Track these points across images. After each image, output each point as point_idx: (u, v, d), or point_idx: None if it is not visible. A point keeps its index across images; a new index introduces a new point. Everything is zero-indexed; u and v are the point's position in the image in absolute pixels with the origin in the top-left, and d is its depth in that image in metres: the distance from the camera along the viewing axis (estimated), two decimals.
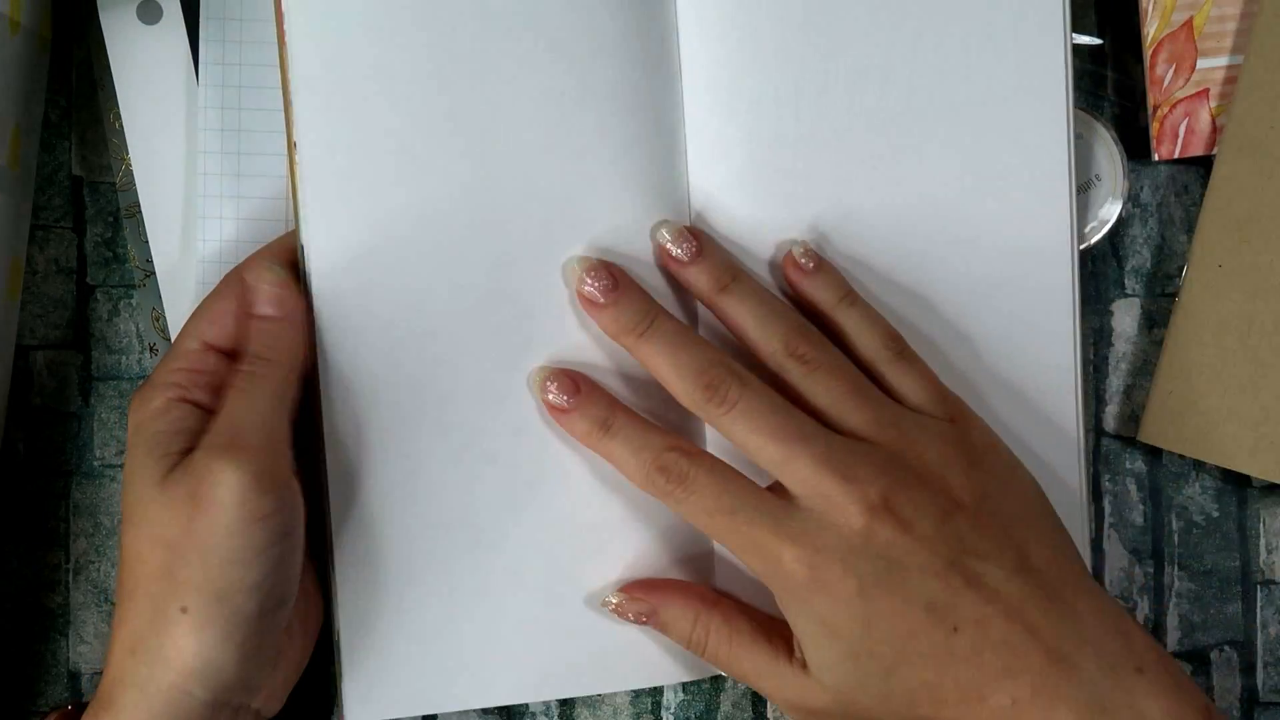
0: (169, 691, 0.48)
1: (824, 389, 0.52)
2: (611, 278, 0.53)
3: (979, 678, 0.48)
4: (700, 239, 0.54)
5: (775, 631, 0.53)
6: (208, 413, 0.50)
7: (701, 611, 0.54)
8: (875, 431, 0.51)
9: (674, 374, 0.52)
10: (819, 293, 0.54)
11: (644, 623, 0.55)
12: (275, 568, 0.49)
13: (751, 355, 0.53)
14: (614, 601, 0.55)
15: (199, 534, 0.47)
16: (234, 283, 0.53)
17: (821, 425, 0.51)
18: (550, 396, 0.53)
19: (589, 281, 0.53)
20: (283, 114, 0.54)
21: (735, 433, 0.51)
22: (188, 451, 0.49)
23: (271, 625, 0.49)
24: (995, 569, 0.49)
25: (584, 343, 0.55)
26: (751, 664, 0.53)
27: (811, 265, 0.54)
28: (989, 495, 0.50)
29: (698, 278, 0.54)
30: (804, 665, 0.51)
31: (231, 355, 0.52)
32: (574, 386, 0.54)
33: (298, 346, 0.52)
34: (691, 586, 0.55)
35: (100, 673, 0.58)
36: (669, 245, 0.54)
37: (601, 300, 0.53)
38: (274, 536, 0.48)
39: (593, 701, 0.59)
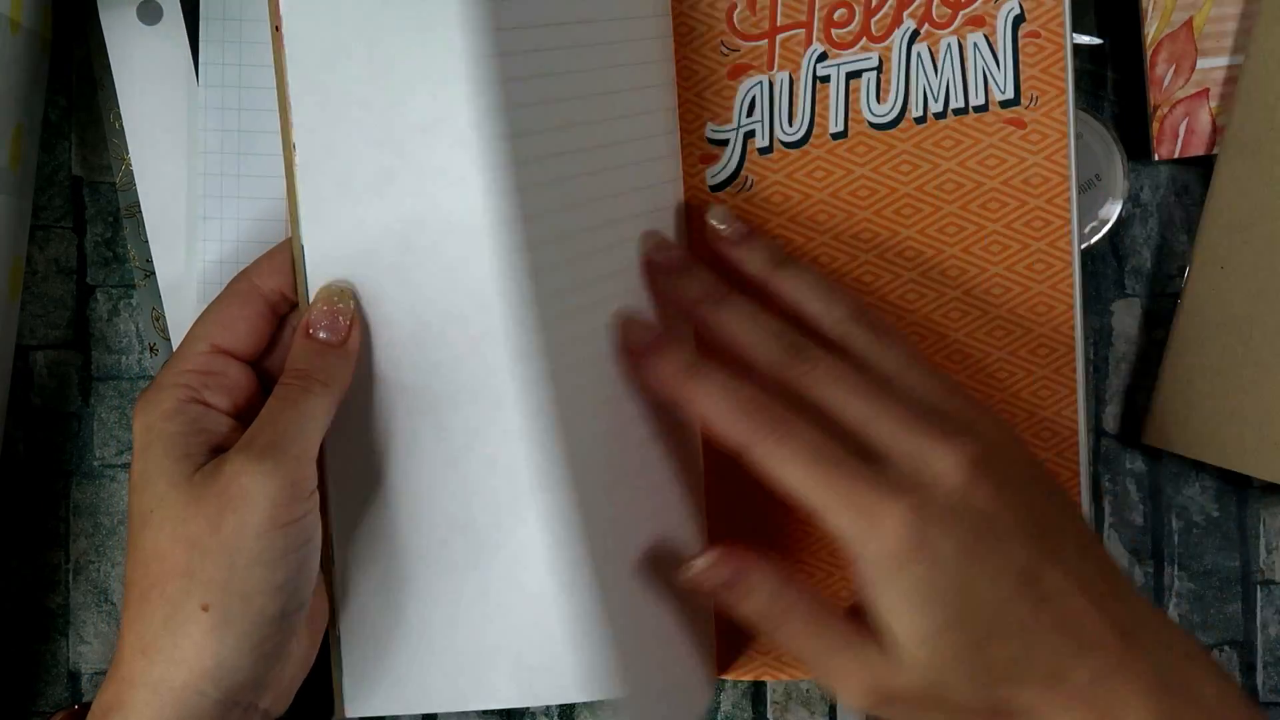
0: (181, 691, 0.48)
1: (893, 355, 0.51)
2: (680, 252, 0.54)
3: (1063, 652, 0.47)
4: (744, 224, 0.54)
5: (851, 613, 0.50)
6: (220, 414, 0.51)
7: (784, 584, 0.51)
8: (945, 399, 0.50)
9: (756, 335, 0.51)
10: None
11: (720, 595, 0.52)
12: (298, 571, 0.49)
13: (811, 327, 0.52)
14: (696, 566, 0.53)
15: (226, 534, 0.48)
16: (244, 287, 0.53)
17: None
18: (633, 336, 0.53)
19: (658, 252, 0.54)
20: (279, 115, 0.54)
21: (821, 388, 0.50)
22: (211, 451, 0.50)
23: (288, 627, 0.50)
24: (1069, 548, 0.48)
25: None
26: (828, 641, 0.50)
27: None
28: (1048, 481, 0.50)
29: (750, 255, 0.54)
30: (891, 645, 0.48)
31: (242, 360, 0.52)
32: (653, 332, 0.53)
33: (349, 376, 0.52)
34: (769, 558, 0.52)
35: (101, 673, 0.58)
36: (720, 226, 0.54)
37: (677, 266, 0.54)
38: (299, 541, 0.49)
39: (592, 701, 0.59)
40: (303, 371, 0.51)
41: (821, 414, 0.49)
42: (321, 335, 0.52)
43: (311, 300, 0.53)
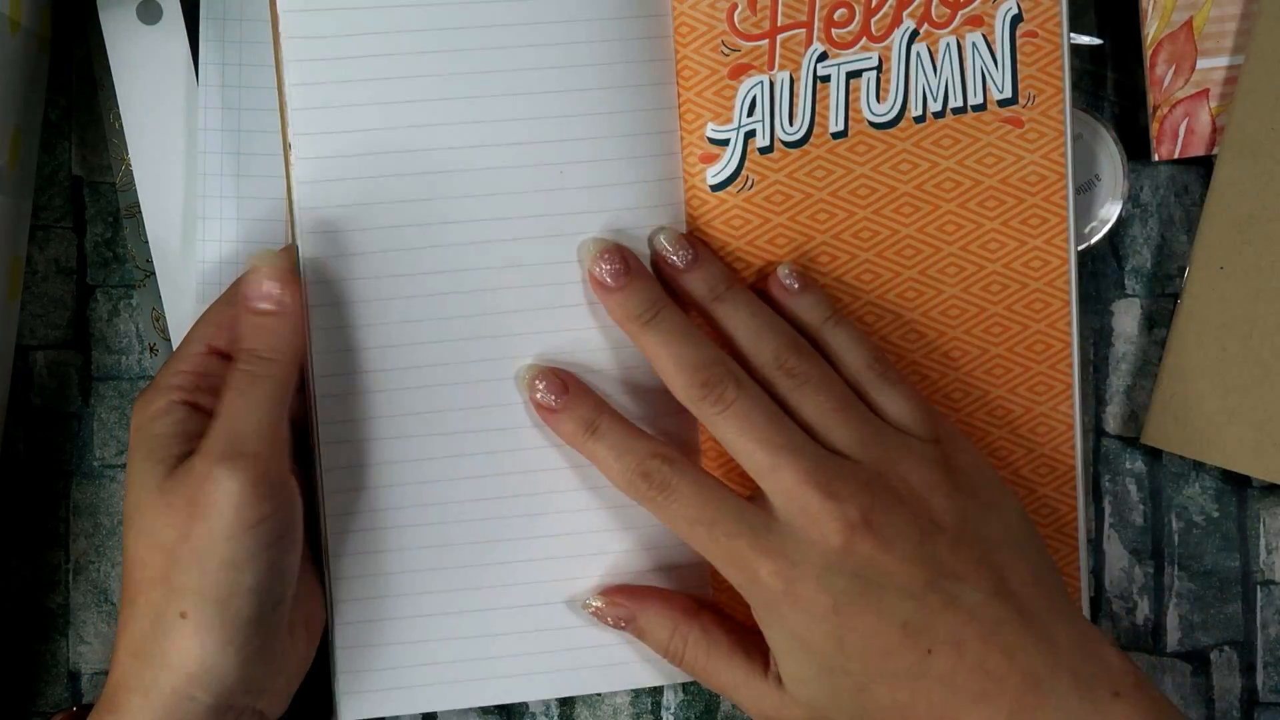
0: (172, 696, 0.48)
1: (811, 404, 0.51)
2: (624, 263, 0.53)
3: (953, 701, 0.48)
4: (696, 247, 0.54)
5: (754, 645, 0.53)
6: (208, 415, 0.50)
7: (681, 621, 0.54)
8: (859, 450, 0.51)
9: (673, 366, 0.52)
10: (805, 313, 0.54)
11: (622, 628, 0.55)
12: (271, 569, 0.49)
13: (743, 364, 0.53)
14: (594, 605, 0.55)
15: (196, 540, 0.48)
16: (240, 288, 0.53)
17: (810, 439, 0.51)
18: (538, 395, 0.54)
19: (602, 264, 0.53)
20: (278, 115, 0.54)
21: (726, 434, 0.51)
22: (186, 455, 0.49)
23: (270, 626, 0.49)
24: (972, 592, 0.49)
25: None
26: (729, 676, 0.53)
27: (797, 286, 0.54)
28: (970, 518, 0.50)
29: (693, 284, 0.54)
30: (779, 680, 0.51)
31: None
32: (562, 387, 0.54)
33: (296, 342, 0.52)
34: (673, 596, 0.55)
35: (101, 673, 0.58)
36: (666, 251, 0.54)
37: (611, 284, 0.53)
38: (270, 539, 0.49)
39: (592, 701, 0.59)
40: (249, 351, 0.51)
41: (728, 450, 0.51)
42: (261, 306, 0.51)
43: (247, 272, 0.52)
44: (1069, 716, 0.47)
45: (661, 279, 0.54)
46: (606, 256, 0.53)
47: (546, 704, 0.59)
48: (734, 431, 0.51)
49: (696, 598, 0.55)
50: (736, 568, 0.50)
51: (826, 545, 0.49)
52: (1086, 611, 0.57)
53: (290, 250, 0.53)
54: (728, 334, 0.53)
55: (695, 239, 0.54)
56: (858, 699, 0.49)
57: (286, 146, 0.53)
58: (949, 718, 0.48)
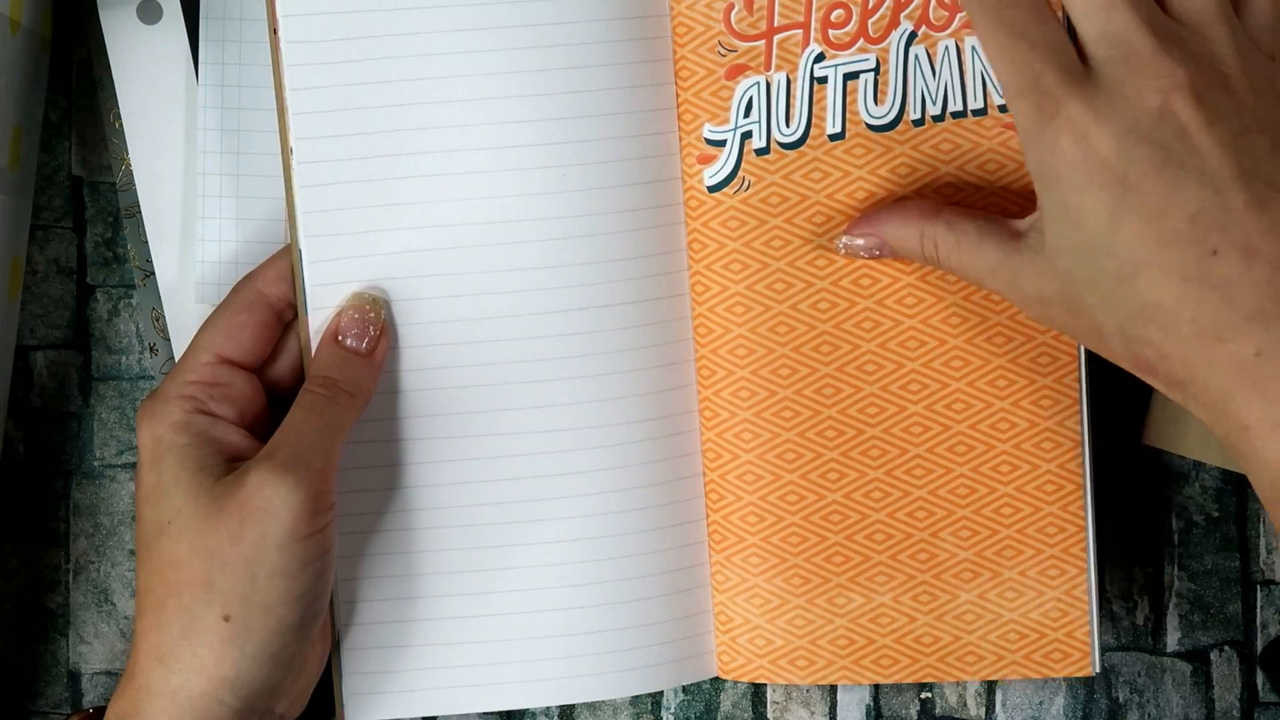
0: (200, 699, 0.48)
1: None
2: None
3: (1224, 315, 0.43)
4: None
5: (1003, 227, 0.49)
6: (228, 424, 0.51)
7: (925, 225, 0.50)
8: (1209, 25, 0.45)
9: None
10: None
11: (878, 256, 0.53)
12: (317, 581, 0.49)
13: None
14: (844, 245, 0.53)
15: (247, 545, 0.48)
16: (249, 295, 0.53)
17: None
18: None
19: None
20: (277, 117, 0.54)
21: None
22: (226, 461, 0.50)
23: (307, 636, 0.50)
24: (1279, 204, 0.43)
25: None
26: (983, 262, 0.49)
27: None
28: None
29: None
30: (1037, 250, 0.47)
31: (247, 369, 0.52)
32: None
33: (372, 385, 0.53)
34: (909, 202, 0.52)
35: (101, 673, 0.58)
36: None
37: None
38: (319, 552, 0.49)
39: (592, 702, 0.59)
40: (328, 380, 0.51)
41: None
42: (349, 343, 0.52)
43: (342, 306, 0.53)
44: None
45: None
46: None
47: (548, 705, 0.59)
48: None
49: (931, 200, 0.53)
50: (1030, 99, 0.45)
51: (1141, 103, 0.44)
52: (1093, 588, 0.56)
53: (381, 300, 0.53)
54: None
55: None
56: (1118, 288, 0.44)
57: (287, 150, 0.53)
58: (1214, 332, 0.43)
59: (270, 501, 0.48)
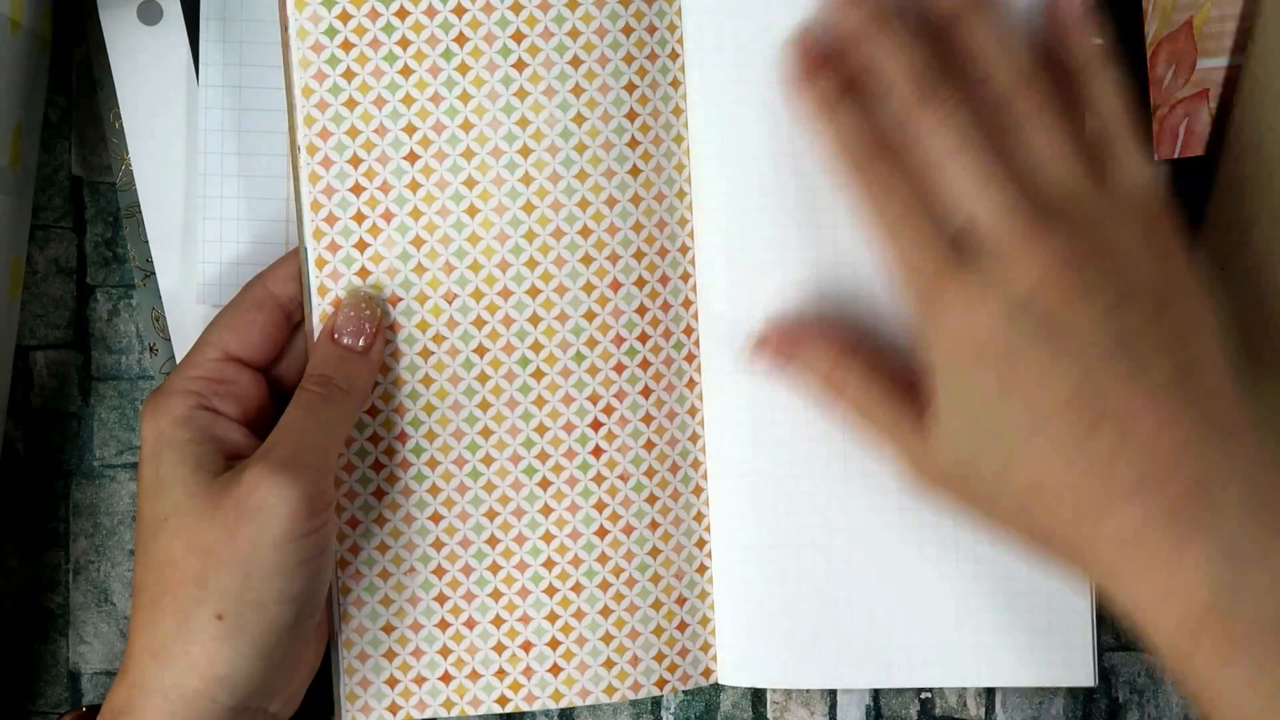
0: (193, 698, 0.48)
1: (1043, 138, 0.48)
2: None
3: (1105, 489, 0.44)
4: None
5: (908, 393, 0.50)
6: (231, 421, 0.51)
7: (843, 354, 0.51)
8: (1076, 197, 0.47)
9: (900, 67, 0.48)
10: (1072, 46, 0.51)
11: (783, 364, 0.53)
12: (312, 580, 0.49)
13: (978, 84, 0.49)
14: (752, 345, 0.53)
15: (242, 544, 0.48)
16: (259, 294, 0.53)
17: (1026, 173, 0.47)
18: (792, 60, 0.51)
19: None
20: (285, 115, 0.54)
21: (941, 145, 0.47)
22: (225, 459, 0.50)
23: (301, 635, 0.50)
24: (1159, 371, 0.44)
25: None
26: (883, 415, 0.50)
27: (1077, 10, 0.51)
28: (1173, 299, 0.46)
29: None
30: (931, 427, 0.48)
31: (254, 367, 0.52)
32: (814, 56, 0.51)
33: (370, 383, 0.53)
34: (832, 332, 0.53)
35: (102, 673, 0.58)
36: None
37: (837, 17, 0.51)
38: (315, 552, 0.49)
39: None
40: (325, 378, 0.51)
41: (929, 169, 0.48)
42: (345, 341, 0.52)
43: (338, 304, 0.53)
44: (1232, 537, 0.42)
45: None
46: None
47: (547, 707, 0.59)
48: (950, 145, 0.47)
49: (844, 339, 0.53)
50: (914, 284, 0.47)
51: (1021, 279, 0.45)
52: (1088, 614, 0.57)
53: (378, 298, 0.53)
54: (970, 48, 0.49)
55: None
56: (1006, 463, 0.45)
57: (296, 150, 0.53)
58: (1096, 507, 0.44)
59: (265, 500, 0.48)
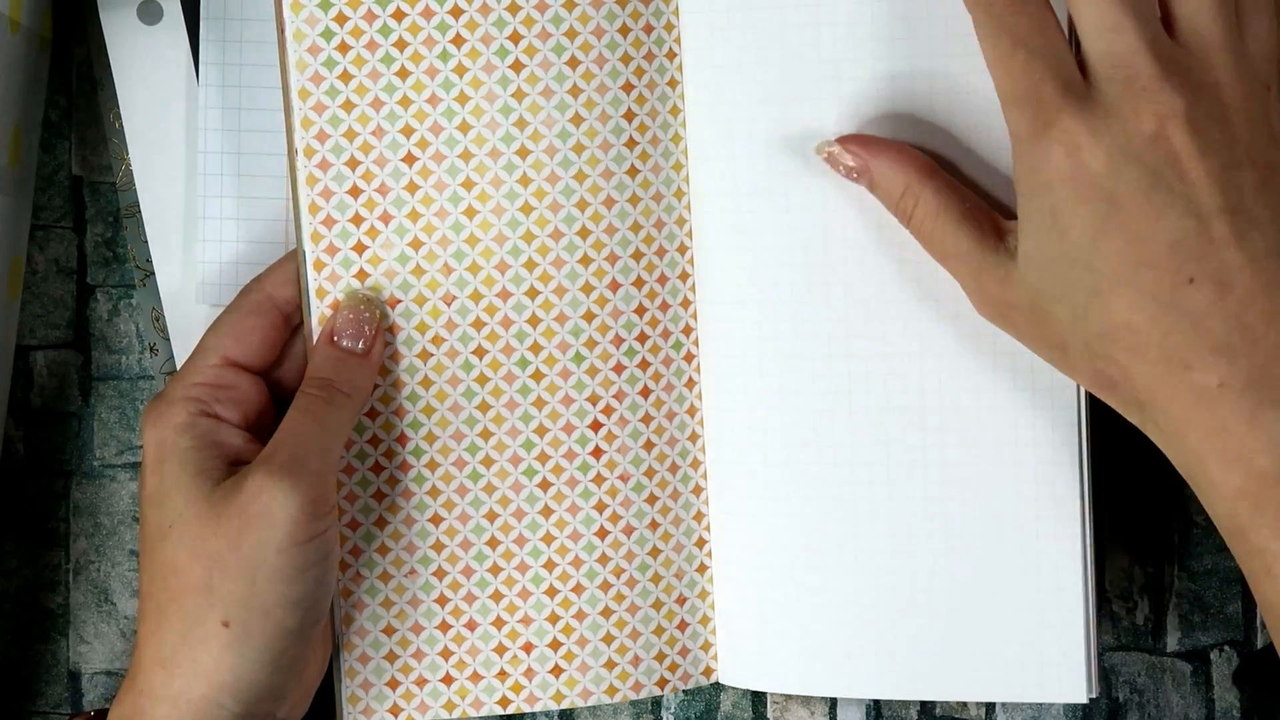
0: (201, 704, 0.48)
1: None
2: None
3: (1192, 344, 0.43)
4: None
5: (988, 218, 0.49)
6: (233, 427, 0.51)
7: (915, 180, 0.50)
8: (1213, 52, 0.45)
9: None
10: None
11: (854, 179, 0.52)
12: (317, 585, 0.49)
13: None
14: (827, 150, 0.52)
15: (246, 550, 0.48)
16: (258, 298, 0.53)
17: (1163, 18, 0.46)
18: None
19: None
20: (283, 118, 0.54)
21: None
22: (228, 465, 0.50)
23: (307, 639, 0.50)
24: (1263, 239, 0.44)
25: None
26: (955, 243, 0.49)
27: None
28: None
29: None
30: (1012, 255, 0.47)
31: (254, 372, 0.52)
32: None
33: (369, 385, 0.53)
34: (910, 152, 0.51)
35: (101, 673, 0.58)
36: None
37: None
38: (319, 556, 0.49)
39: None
40: (325, 381, 0.51)
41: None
42: (345, 343, 0.52)
43: (339, 307, 0.53)
44: None
45: None
46: None
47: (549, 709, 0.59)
48: None
49: (928, 160, 0.51)
50: (1031, 113, 0.45)
51: (1137, 125, 0.44)
52: (1088, 614, 0.56)
53: (377, 300, 0.53)
54: None
55: None
56: (1089, 305, 0.45)
57: (293, 152, 0.53)
58: (1181, 360, 0.44)
59: (268, 506, 0.48)
